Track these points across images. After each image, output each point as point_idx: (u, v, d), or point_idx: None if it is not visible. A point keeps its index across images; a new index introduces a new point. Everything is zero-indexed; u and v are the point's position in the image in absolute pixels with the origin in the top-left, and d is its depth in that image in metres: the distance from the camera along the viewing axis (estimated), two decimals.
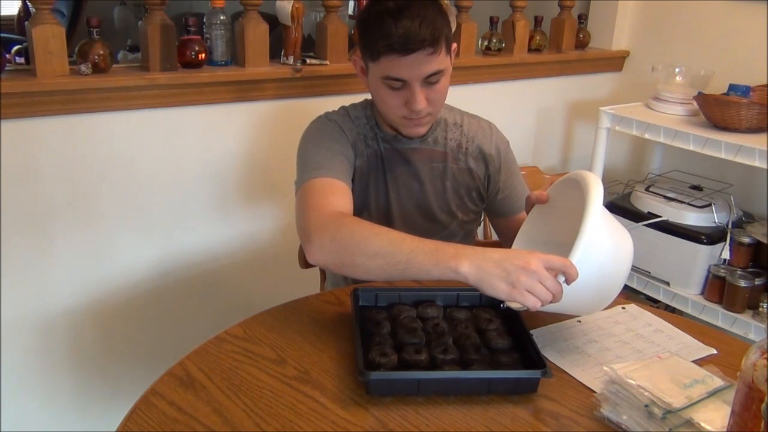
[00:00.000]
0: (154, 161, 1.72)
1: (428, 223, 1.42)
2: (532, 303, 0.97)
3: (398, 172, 1.39)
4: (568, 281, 0.97)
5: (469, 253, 1.01)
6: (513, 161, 1.49)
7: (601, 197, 1.02)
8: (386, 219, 1.40)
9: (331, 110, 1.42)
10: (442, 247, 1.03)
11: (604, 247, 1.02)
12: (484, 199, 1.48)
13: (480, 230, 1.73)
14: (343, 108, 1.42)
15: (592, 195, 1.02)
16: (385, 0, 1.22)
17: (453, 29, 2.08)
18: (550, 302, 0.98)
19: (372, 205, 1.39)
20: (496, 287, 0.98)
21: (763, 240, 2.01)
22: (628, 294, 2.27)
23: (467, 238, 1.50)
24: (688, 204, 2.12)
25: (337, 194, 1.24)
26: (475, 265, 0.99)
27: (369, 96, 1.39)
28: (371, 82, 1.30)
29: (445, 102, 1.44)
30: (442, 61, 1.24)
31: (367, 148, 1.38)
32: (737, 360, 0.79)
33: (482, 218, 1.66)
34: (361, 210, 1.39)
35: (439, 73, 1.24)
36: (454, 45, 1.32)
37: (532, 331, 1.10)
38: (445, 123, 1.43)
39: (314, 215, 1.16)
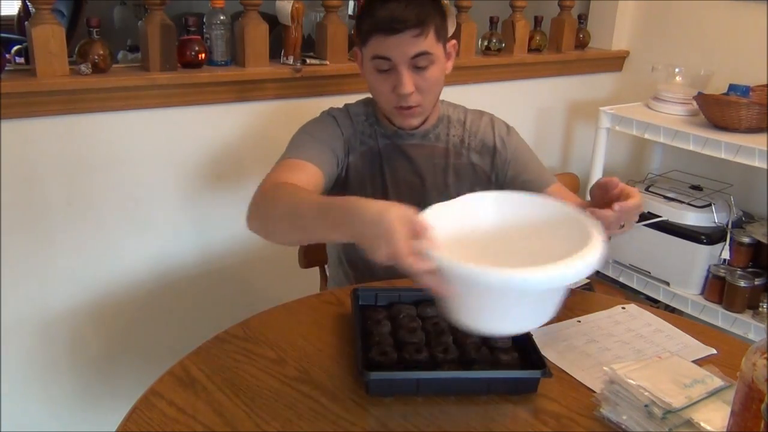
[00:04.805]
0: (154, 161, 1.72)
1: None
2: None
3: (398, 168, 1.39)
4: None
5: (351, 216, 0.90)
6: (521, 144, 1.45)
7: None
8: None
9: (334, 107, 1.43)
10: (335, 208, 0.94)
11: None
12: None
13: None
14: (345, 105, 1.44)
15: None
16: None
17: (453, 29, 2.08)
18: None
19: None
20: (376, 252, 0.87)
21: (763, 240, 2.01)
22: (628, 294, 2.28)
23: None
24: (688, 204, 2.12)
25: (298, 171, 1.23)
26: (355, 233, 0.89)
27: (366, 96, 1.39)
28: (365, 70, 1.32)
29: (449, 101, 1.44)
30: (430, 45, 1.24)
31: (362, 146, 1.38)
32: (737, 360, 0.79)
33: None
34: None
35: (426, 56, 1.24)
36: (453, 42, 1.33)
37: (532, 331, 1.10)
38: (448, 120, 1.43)
39: (261, 186, 1.18)
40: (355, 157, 1.38)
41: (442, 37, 1.28)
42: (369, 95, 1.43)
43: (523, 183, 1.43)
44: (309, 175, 1.24)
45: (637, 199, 1.06)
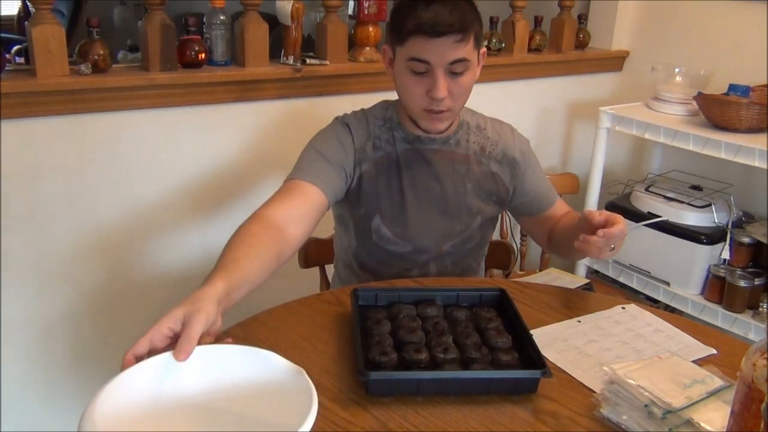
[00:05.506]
0: (154, 161, 1.72)
1: (447, 224, 1.41)
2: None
3: (417, 173, 1.38)
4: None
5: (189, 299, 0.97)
6: (535, 160, 1.49)
7: None
8: (401, 219, 1.38)
9: (348, 112, 1.42)
10: (207, 281, 1.03)
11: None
12: (503, 204, 1.47)
13: (495, 231, 1.70)
14: (362, 109, 1.42)
15: None
16: None
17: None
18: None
19: (385, 206, 1.38)
20: None
21: (763, 240, 2.01)
22: (628, 294, 2.28)
23: (483, 240, 1.49)
24: (688, 204, 2.12)
25: (295, 196, 1.25)
26: None
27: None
28: (396, 70, 1.30)
29: (466, 107, 1.44)
30: (468, 52, 1.24)
31: (376, 151, 1.37)
32: (737, 360, 0.79)
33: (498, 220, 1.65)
34: (373, 212, 1.38)
35: (463, 62, 1.24)
36: (484, 49, 1.33)
37: (532, 331, 1.09)
38: (468, 126, 1.42)
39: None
40: (368, 165, 1.36)
41: (478, 44, 1.28)
42: (381, 98, 1.43)
43: (536, 197, 1.47)
44: (306, 199, 1.26)
45: (622, 226, 1.19)
